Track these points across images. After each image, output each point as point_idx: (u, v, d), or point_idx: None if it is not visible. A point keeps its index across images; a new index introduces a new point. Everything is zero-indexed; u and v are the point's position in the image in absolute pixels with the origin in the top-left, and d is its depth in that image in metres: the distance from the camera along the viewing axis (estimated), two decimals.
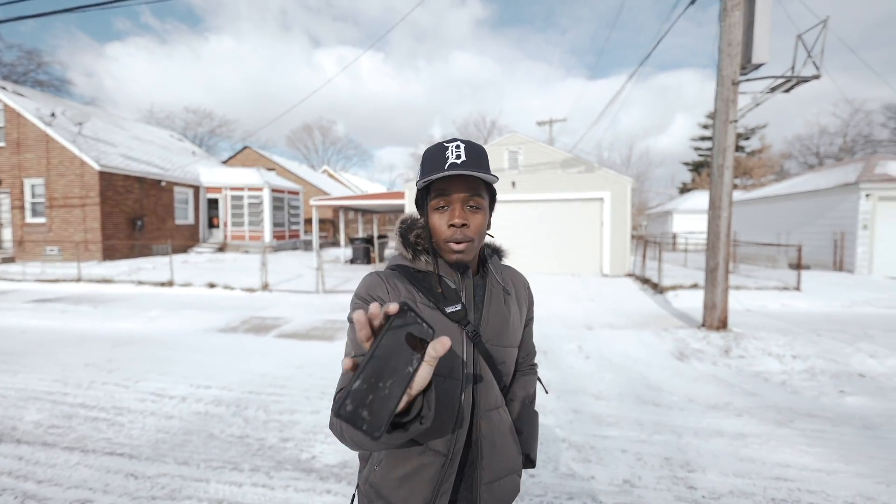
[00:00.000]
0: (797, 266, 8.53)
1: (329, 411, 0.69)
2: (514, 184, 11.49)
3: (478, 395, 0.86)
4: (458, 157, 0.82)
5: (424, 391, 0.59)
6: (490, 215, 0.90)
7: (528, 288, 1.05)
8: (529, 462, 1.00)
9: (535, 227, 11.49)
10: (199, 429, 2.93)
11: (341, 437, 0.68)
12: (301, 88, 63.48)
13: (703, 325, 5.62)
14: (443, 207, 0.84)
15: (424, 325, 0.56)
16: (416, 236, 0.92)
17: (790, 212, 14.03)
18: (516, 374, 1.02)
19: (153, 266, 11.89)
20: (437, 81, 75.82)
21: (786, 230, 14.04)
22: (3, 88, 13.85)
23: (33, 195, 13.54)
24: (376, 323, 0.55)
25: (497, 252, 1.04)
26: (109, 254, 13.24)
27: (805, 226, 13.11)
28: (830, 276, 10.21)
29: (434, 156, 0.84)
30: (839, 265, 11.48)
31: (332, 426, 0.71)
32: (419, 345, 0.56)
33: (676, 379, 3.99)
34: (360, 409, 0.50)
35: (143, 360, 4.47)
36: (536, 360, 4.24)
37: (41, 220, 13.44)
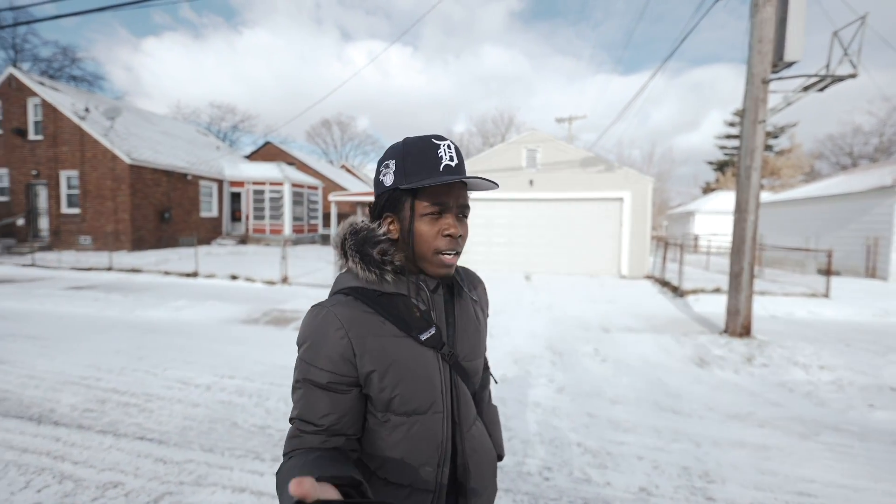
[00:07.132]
0: (827, 272, 8.22)
1: None
2: (531, 182, 11.41)
3: (459, 417, 0.82)
4: (451, 158, 0.73)
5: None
6: None
7: (485, 287, 1.00)
8: (498, 458, 0.97)
9: (553, 226, 11.39)
10: (223, 417, 3.03)
11: None
12: (325, 82, 64.07)
13: (726, 331, 5.49)
14: (434, 214, 0.74)
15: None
16: (382, 252, 0.76)
17: (820, 215, 13.51)
18: None
19: (179, 257, 12.27)
20: (463, 77, 75.45)
21: (815, 234, 13.52)
22: (42, 84, 14.45)
23: (69, 187, 14.12)
24: None
25: None
26: (138, 244, 13.73)
27: (836, 230, 12.61)
28: (862, 284, 9.80)
29: (423, 153, 0.73)
30: (871, 272, 11.02)
31: None
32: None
33: (696, 386, 3.92)
34: None
35: (169, 348, 4.64)
36: (550, 361, 4.32)
37: (76, 210, 14.01)
